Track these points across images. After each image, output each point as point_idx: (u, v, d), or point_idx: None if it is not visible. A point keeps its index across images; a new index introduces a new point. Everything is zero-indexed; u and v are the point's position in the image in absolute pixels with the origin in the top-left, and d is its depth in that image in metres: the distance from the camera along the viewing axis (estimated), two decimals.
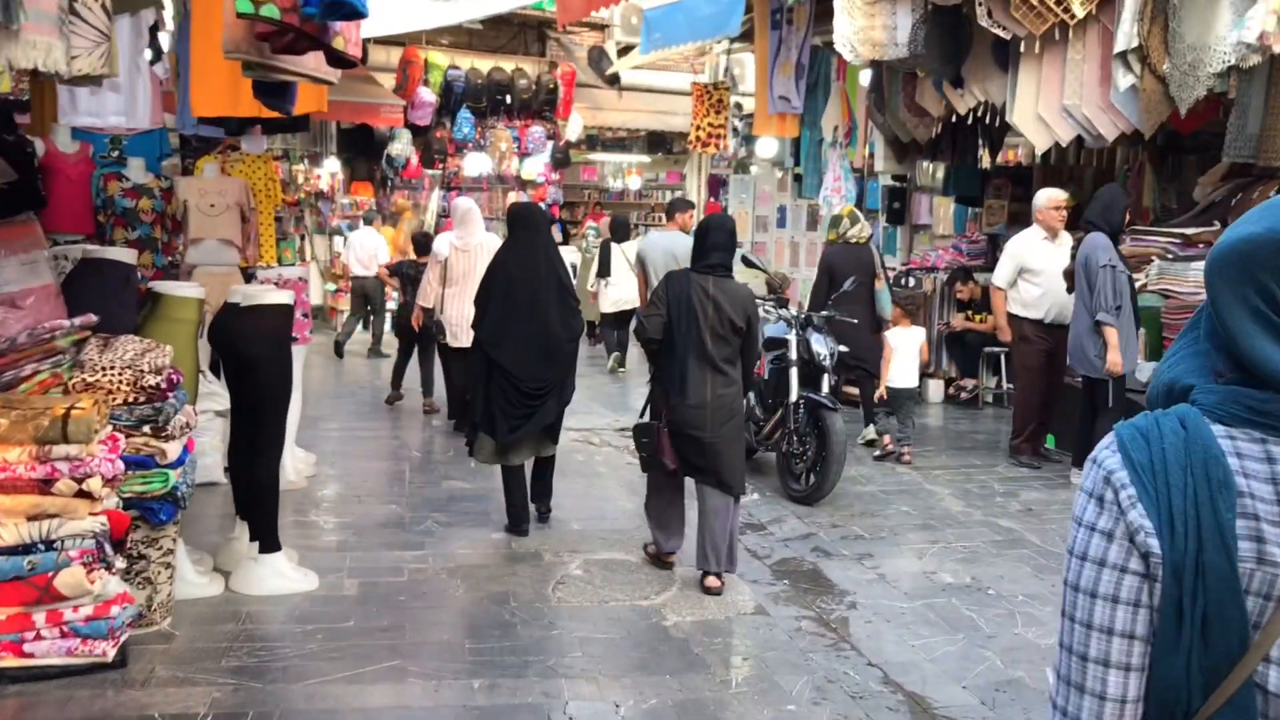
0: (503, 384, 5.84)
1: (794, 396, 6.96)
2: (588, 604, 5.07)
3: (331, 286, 16.32)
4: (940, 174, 12.52)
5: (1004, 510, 6.81)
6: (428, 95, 16.26)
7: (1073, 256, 7.00)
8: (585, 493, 7.19)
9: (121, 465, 4.11)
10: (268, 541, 5.10)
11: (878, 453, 8.17)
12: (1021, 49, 8.15)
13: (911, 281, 10.48)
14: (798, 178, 14.46)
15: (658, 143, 21.13)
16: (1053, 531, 6.33)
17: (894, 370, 8.04)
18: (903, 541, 6.15)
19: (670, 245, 8.97)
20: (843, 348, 7.23)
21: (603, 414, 9.98)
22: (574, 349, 6.16)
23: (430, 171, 17.28)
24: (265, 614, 4.81)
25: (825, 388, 7.08)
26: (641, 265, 9.27)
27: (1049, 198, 7.98)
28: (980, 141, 10.96)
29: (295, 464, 7.20)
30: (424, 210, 17.82)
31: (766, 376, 7.26)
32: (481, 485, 7.23)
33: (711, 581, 5.21)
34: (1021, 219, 11.21)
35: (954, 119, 9.64)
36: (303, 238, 17.41)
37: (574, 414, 9.88)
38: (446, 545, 5.91)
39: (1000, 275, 8.09)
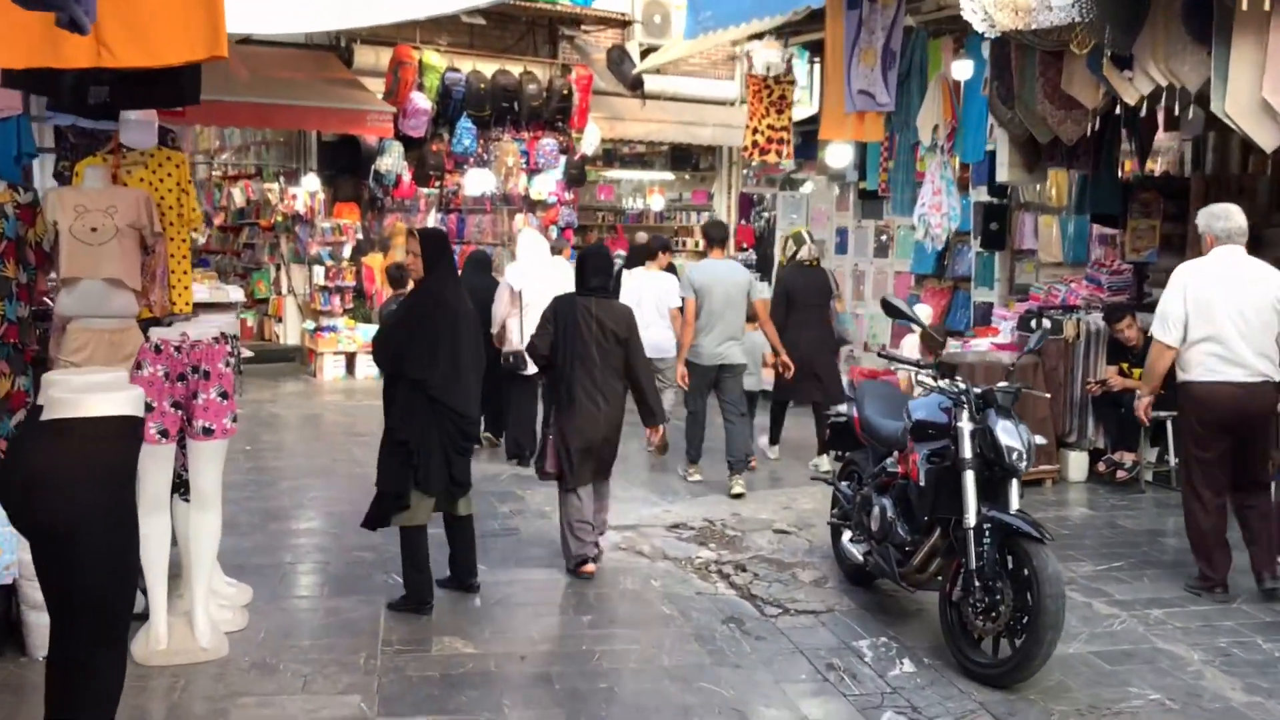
0: (450, 429, 5.22)
1: (972, 518, 4.55)
2: None
3: (311, 325, 13.93)
4: (1055, 188, 10.18)
5: None
6: (422, 102, 13.92)
7: None
8: (651, 659, 4.75)
9: None
10: None
11: None
12: (1244, 7, 5.80)
13: (1046, 323, 8.07)
14: (864, 194, 12.14)
15: (682, 158, 18.77)
16: None
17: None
18: None
19: (730, 274, 8.05)
20: (1017, 436, 4.72)
21: (648, 501, 7.57)
22: None
23: (425, 190, 14.90)
24: None
25: (1015, 500, 4.67)
26: (696, 294, 7.93)
27: None
28: (1129, 145, 8.60)
29: (212, 615, 4.79)
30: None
31: (921, 482, 4.83)
32: (488, 648, 4.82)
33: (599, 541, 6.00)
34: (1174, 243, 8.87)
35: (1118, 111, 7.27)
36: (278, 267, 15.09)
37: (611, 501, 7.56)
38: None
39: None
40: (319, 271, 13.90)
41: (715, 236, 8.45)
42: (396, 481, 5.18)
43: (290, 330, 14.78)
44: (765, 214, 20.46)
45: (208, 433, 4.56)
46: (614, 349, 5.79)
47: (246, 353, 13.58)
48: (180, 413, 4.57)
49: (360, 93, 13.67)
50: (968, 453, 4.63)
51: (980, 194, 10.47)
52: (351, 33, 14.24)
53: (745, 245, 18.91)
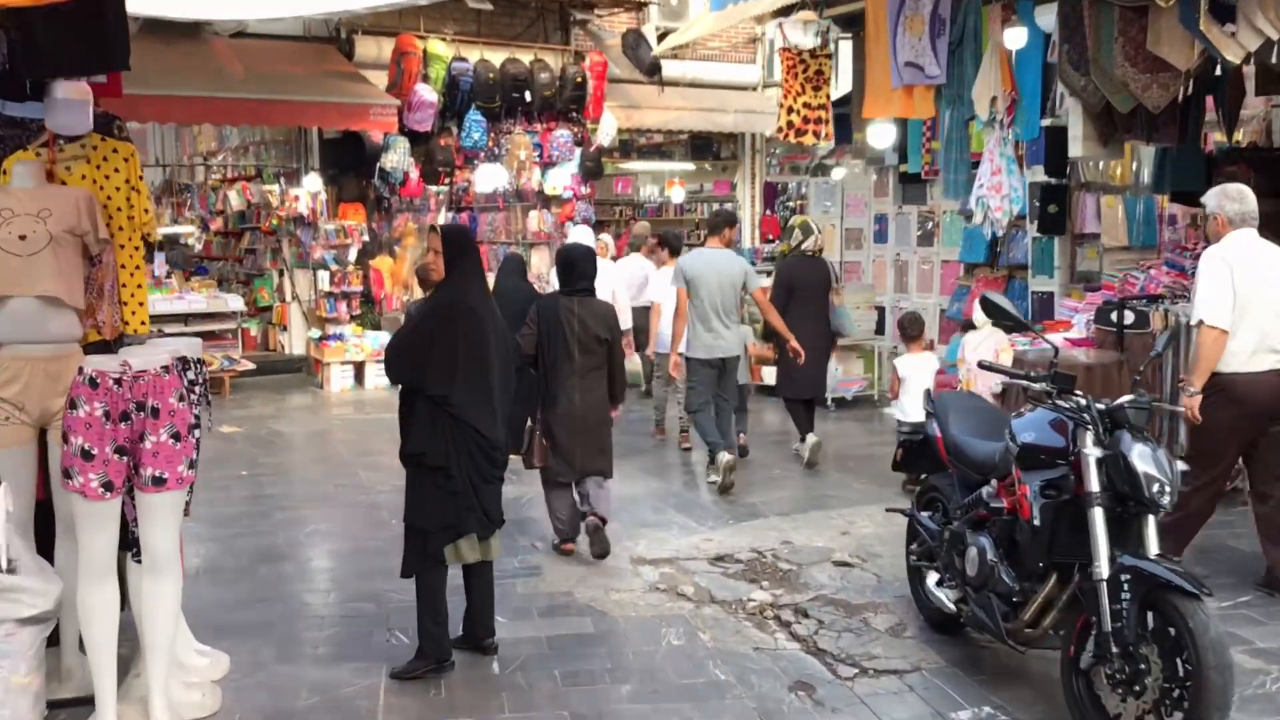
0: (475, 453, 4.48)
1: (1104, 566, 3.67)
2: None
3: (316, 333, 13.11)
4: (1120, 164, 9.29)
5: None
6: (428, 94, 13.09)
7: None
8: None
9: None
10: None
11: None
12: None
13: (1130, 317, 7.17)
14: (906, 177, 11.27)
15: (702, 147, 17.90)
16: None
17: (908, 403, 7.35)
18: None
19: (725, 265, 7.67)
20: (1156, 463, 3.82)
21: (685, 528, 6.72)
22: None
23: (435, 188, 14.08)
24: None
25: (1154, 542, 3.78)
26: (688, 285, 7.66)
27: None
28: (1216, 113, 7.68)
29: (175, 699, 3.96)
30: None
31: (1035, 520, 3.95)
32: None
33: (592, 519, 6.04)
34: (1266, 222, 7.94)
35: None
36: (281, 273, 14.29)
37: (640, 526, 6.73)
38: None
39: None
40: (324, 276, 13.08)
41: (713, 224, 8.05)
42: (444, 516, 4.45)
43: (295, 339, 13.98)
44: (790, 203, 19.62)
45: (158, 483, 3.72)
46: (596, 348, 5.93)
47: (248, 365, 12.87)
48: (127, 459, 3.73)
49: (362, 86, 12.87)
50: (1095, 485, 3.74)
51: (1036, 174, 9.56)
52: (352, 23, 13.47)
53: (771, 236, 18.04)
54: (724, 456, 7.42)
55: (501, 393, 4.59)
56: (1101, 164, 9.31)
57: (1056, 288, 9.65)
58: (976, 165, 8.42)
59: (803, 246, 8.45)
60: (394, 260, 14.12)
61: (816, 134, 9.05)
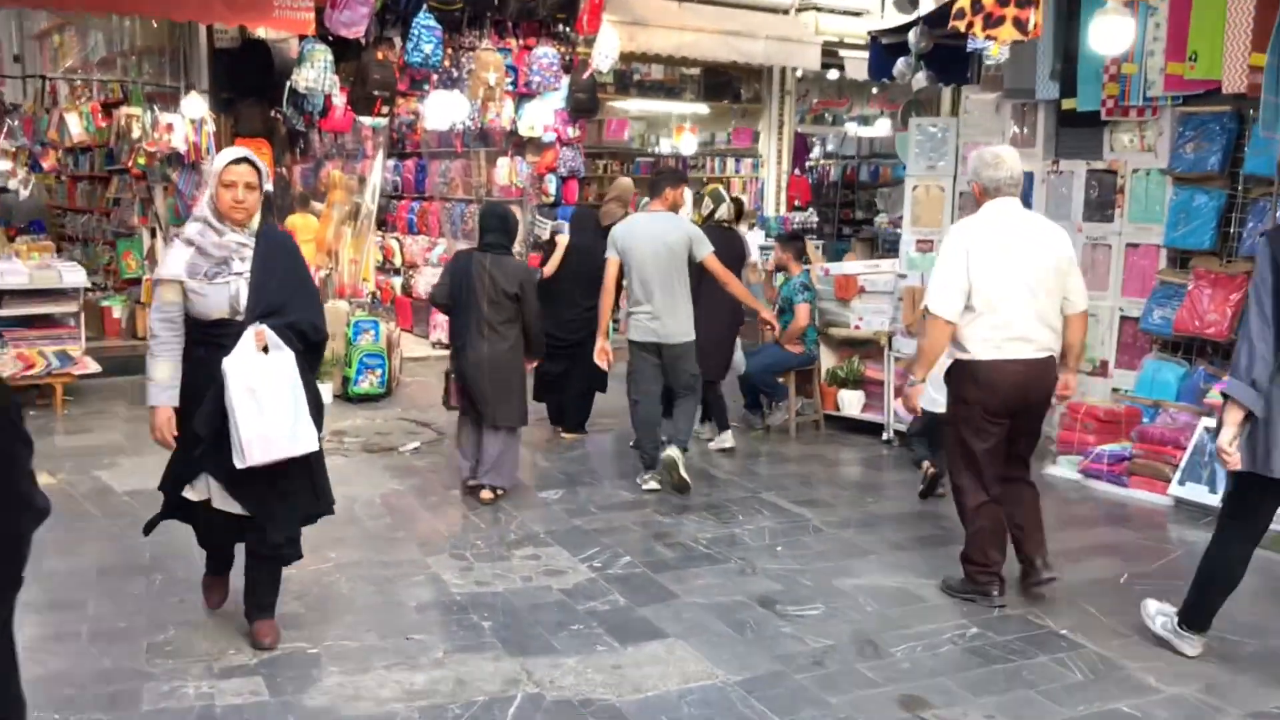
0: None
1: None
2: None
3: None
4: None
5: None
6: None
7: None
8: None
9: None
10: None
11: (922, 487, 6.59)
12: None
13: None
14: (1069, 118, 7.63)
15: (719, 87, 14.11)
16: None
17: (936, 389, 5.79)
18: None
19: (665, 231, 6.58)
20: None
21: None
22: None
23: (368, 120, 10.21)
24: None
25: None
26: (621, 256, 6.63)
27: None
28: None
29: None
30: (364, 189, 10.80)
31: None
32: None
33: (485, 494, 6.29)
34: None
35: None
36: (154, 232, 10.37)
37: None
38: None
39: None
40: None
41: (654, 183, 7.14)
42: None
43: None
44: (811, 164, 16.01)
45: None
46: (505, 303, 6.15)
47: (91, 367, 8.99)
48: None
49: None
50: None
51: None
52: None
53: (800, 203, 14.37)
54: (669, 452, 6.61)
55: None
56: None
57: None
58: None
59: (717, 215, 7.89)
60: (318, 220, 10.45)
61: (1021, 23, 5.28)
